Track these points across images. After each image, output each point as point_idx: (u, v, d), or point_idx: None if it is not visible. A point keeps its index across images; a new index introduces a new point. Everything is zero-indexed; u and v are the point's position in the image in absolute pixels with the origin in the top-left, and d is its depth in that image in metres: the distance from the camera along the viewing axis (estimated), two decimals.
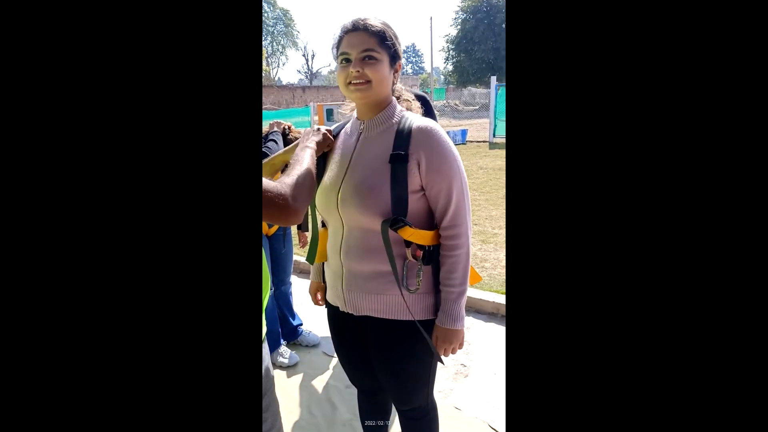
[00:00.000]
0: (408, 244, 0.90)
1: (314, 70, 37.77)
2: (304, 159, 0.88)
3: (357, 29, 0.87)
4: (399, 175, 0.86)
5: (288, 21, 32.06)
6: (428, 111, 1.50)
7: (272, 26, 31.50)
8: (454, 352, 0.96)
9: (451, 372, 1.84)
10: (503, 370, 1.84)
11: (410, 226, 0.88)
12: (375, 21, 0.88)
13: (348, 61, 0.87)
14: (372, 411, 1.20)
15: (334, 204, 0.92)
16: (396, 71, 0.92)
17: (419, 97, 1.51)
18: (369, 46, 0.86)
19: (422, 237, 0.89)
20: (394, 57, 0.90)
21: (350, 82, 0.87)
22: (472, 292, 2.32)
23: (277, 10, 31.04)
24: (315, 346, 2.12)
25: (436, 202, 0.89)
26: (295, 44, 33.72)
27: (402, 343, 0.96)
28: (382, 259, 0.91)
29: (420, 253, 0.90)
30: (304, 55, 37.11)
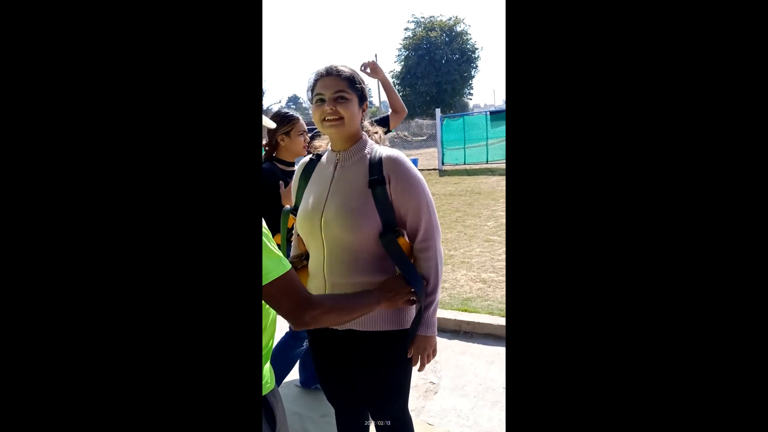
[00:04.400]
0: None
1: (265, 107, 37.82)
2: (361, 305, 0.91)
3: (330, 74, 1.02)
4: (381, 196, 1.00)
5: None
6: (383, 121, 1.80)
7: None
8: (429, 359, 1.07)
9: (421, 390, 1.92)
10: (470, 384, 1.96)
11: (404, 237, 1.01)
12: (344, 68, 1.04)
13: (322, 101, 1.01)
14: (351, 429, 1.26)
15: (318, 226, 1.03)
16: (363, 110, 1.08)
17: (381, 121, 1.75)
18: (341, 88, 1.00)
19: (408, 249, 1.03)
20: (362, 98, 1.06)
21: (325, 119, 1.01)
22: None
23: None
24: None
25: (406, 218, 1.03)
26: None
27: (384, 353, 1.06)
28: (366, 272, 1.02)
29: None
30: None
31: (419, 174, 1.04)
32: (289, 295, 0.76)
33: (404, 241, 1.02)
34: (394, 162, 1.01)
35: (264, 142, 1.72)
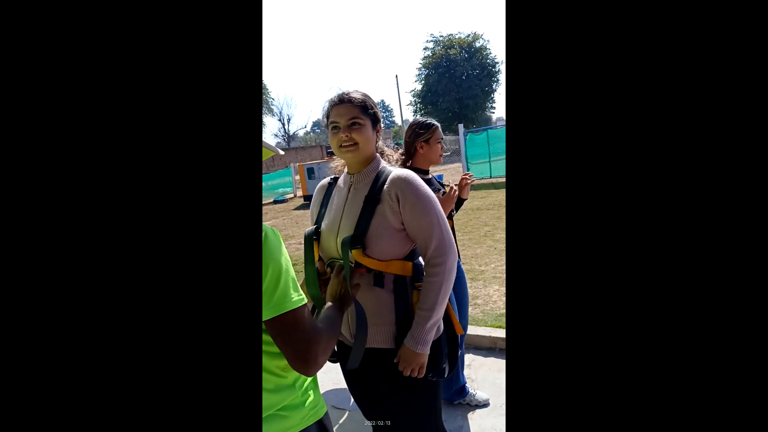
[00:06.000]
0: (359, 265, 1.02)
1: (291, 133, 39.16)
2: (337, 323, 0.86)
3: (343, 102, 1.06)
4: (367, 211, 1.02)
5: (263, 90, 33.85)
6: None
7: None
8: (413, 374, 1.02)
9: (459, 409, 1.88)
10: None
11: (363, 250, 1.00)
12: (357, 94, 1.08)
13: (337, 128, 1.06)
14: None
15: (335, 247, 1.07)
16: (377, 132, 1.11)
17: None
18: (354, 114, 1.05)
19: (371, 262, 1.01)
20: (375, 121, 1.09)
21: (341, 146, 1.05)
22: (469, 329, 2.39)
23: None
24: (485, 405, 1.88)
25: (417, 237, 1.03)
26: (270, 110, 35.29)
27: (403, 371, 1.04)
28: (388, 289, 1.03)
29: (363, 270, 1.02)
30: (280, 120, 38.71)
31: (429, 192, 1.05)
32: (303, 327, 0.71)
33: (359, 253, 1.00)
34: (403, 181, 1.03)
35: (399, 152, 1.63)
